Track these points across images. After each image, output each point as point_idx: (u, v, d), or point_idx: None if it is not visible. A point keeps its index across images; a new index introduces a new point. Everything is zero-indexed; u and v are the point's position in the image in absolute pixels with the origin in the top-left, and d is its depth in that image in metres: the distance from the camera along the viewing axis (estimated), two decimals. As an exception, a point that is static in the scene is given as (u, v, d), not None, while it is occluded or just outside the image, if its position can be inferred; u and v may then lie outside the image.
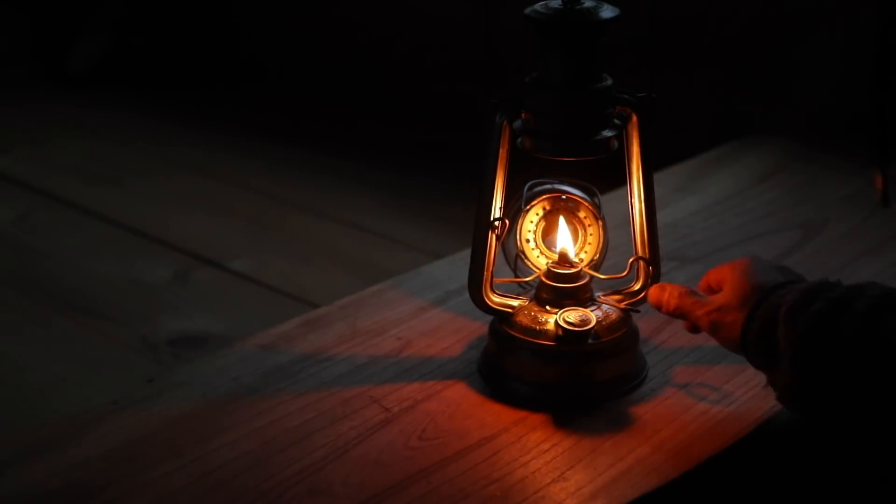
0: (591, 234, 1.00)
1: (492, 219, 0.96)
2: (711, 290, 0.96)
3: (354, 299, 1.14)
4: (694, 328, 0.96)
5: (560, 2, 0.92)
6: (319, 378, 1.00)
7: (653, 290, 0.97)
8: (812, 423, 0.91)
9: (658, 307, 0.97)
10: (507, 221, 0.97)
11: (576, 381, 0.97)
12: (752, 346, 0.88)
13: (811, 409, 0.87)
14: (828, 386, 0.84)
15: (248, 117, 2.26)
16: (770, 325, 0.87)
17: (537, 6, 0.92)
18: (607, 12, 0.91)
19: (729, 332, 0.90)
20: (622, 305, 0.99)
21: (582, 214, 1.00)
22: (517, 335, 0.98)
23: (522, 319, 0.98)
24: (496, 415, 0.95)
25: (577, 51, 0.92)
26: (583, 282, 0.99)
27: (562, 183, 1.01)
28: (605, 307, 0.99)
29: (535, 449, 0.91)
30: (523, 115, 0.94)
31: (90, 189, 1.92)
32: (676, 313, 0.95)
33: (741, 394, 0.97)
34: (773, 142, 1.57)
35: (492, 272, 0.98)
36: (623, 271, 0.99)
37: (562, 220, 0.99)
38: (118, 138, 2.17)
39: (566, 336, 0.96)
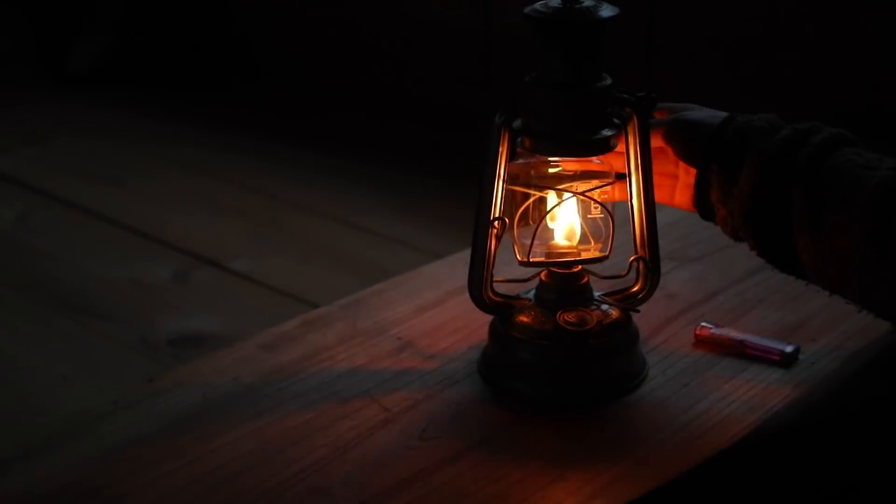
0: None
1: (492, 218, 0.96)
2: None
3: (354, 299, 1.14)
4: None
5: (559, 1, 0.92)
6: (319, 378, 1.00)
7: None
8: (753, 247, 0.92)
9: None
10: (506, 221, 0.97)
11: (576, 381, 0.97)
12: (719, 155, 0.91)
13: (755, 228, 0.89)
14: (778, 205, 0.87)
15: (248, 118, 2.26)
16: (739, 145, 0.90)
17: (537, 5, 0.92)
18: (606, 11, 0.91)
19: (693, 132, 0.93)
20: (622, 305, 0.99)
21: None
22: (517, 335, 0.97)
23: (522, 319, 0.98)
24: (496, 415, 0.95)
25: (576, 50, 0.92)
26: (583, 281, 0.98)
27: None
28: (605, 307, 0.99)
29: (535, 449, 0.91)
30: (523, 114, 0.94)
31: (90, 189, 1.93)
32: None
33: (741, 394, 0.96)
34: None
35: (492, 272, 0.98)
36: (623, 271, 0.99)
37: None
38: (118, 138, 2.17)
39: (566, 336, 0.96)
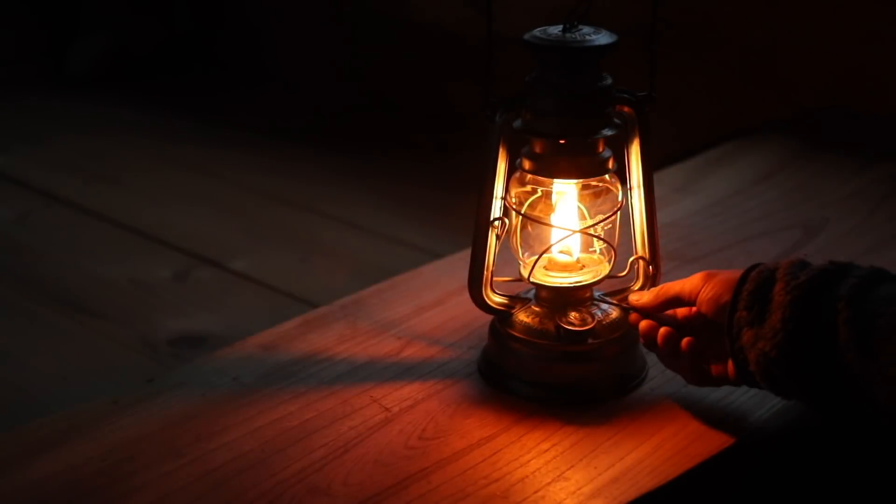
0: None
1: (492, 218, 0.96)
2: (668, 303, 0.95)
3: (354, 299, 1.14)
4: (690, 364, 0.94)
5: (560, 29, 0.92)
6: (319, 378, 1.00)
7: (646, 300, 0.96)
8: (778, 394, 0.89)
9: (643, 309, 0.96)
10: (506, 221, 0.97)
11: (576, 381, 0.97)
12: (742, 302, 0.86)
13: (787, 365, 0.84)
14: (817, 337, 0.82)
15: (248, 117, 2.26)
16: (767, 283, 0.85)
17: (536, 32, 0.92)
18: (604, 38, 0.91)
19: (716, 281, 0.90)
20: (622, 305, 0.99)
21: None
22: (517, 335, 0.98)
23: (523, 319, 0.98)
24: (496, 415, 0.95)
25: (575, 72, 0.92)
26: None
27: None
28: (605, 307, 0.99)
29: (535, 449, 0.91)
30: (523, 114, 0.94)
31: (90, 188, 1.92)
32: (664, 299, 0.94)
33: (741, 394, 0.96)
34: (773, 141, 1.57)
35: (492, 272, 0.98)
36: (623, 271, 0.99)
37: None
38: (118, 137, 2.17)
39: (566, 336, 0.96)
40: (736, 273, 0.89)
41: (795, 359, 0.84)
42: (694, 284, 0.92)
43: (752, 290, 0.86)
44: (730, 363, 0.89)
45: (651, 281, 0.99)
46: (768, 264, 0.87)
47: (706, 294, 0.91)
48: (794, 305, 0.83)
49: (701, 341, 0.92)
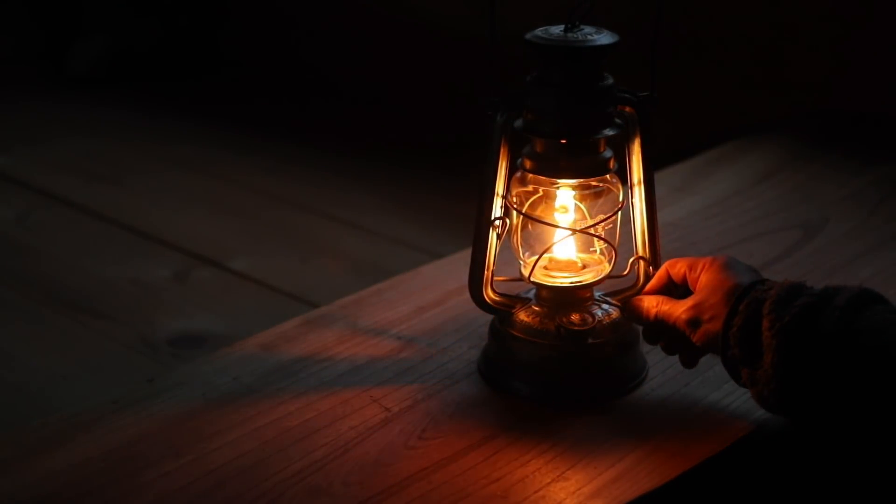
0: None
1: (492, 218, 0.96)
2: (672, 284, 0.96)
3: (354, 299, 1.14)
4: (688, 358, 0.96)
5: (561, 29, 0.92)
6: (319, 378, 1.00)
7: (632, 303, 0.96)
8: (791, 421, 0.90)
9: (638, 319, 0.96)
10: (507, 221, 0.97)
11: (576, 381, 0.97)
12: (733, 340, 0.87)
13: (789, 406, 0.87)
14: (809, 379, 0.84)
15: (249, 117, 2.26)
16: (754, 318, 0.86)
17: (537, 31, 0.92)
18: (606, 38, 0.91)
19: (708, 327, 0.90)
20: (622, 305, 0.99)
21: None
22: (517, 335, 0.97)
23: (523, 319, 0.98)
24: (496, 415, 0.95)
25: (576, 72, 0.92)
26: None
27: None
28: (605, 307, 0.99)
29: (535, 449, 0.91)
30: (525, 114, 0.94)
31: (90, 188, 1.92)
32: (657, 320, 0.95)
33: (741, 394, 0.96)
34: (773, 141, 1.57)
35: (492, 272, 0.98)
36: (623, 271, 0.99)
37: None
38: (118, 137, 2.17)
39: (566, 336, 0.96)
40: (727, 283, 0.89)
41: (793, 399, 0.86)
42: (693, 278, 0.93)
43: (742, 325, 0.87)
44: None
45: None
46: (758, 292, 0.87)
47: (698, 298, 0.91)
48: (781, 351, 0.84)
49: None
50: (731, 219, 1.33)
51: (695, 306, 0.91)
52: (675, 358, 1.02)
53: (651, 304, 0.95)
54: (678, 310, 0.92)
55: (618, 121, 0.95)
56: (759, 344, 0.86)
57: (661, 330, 0.96)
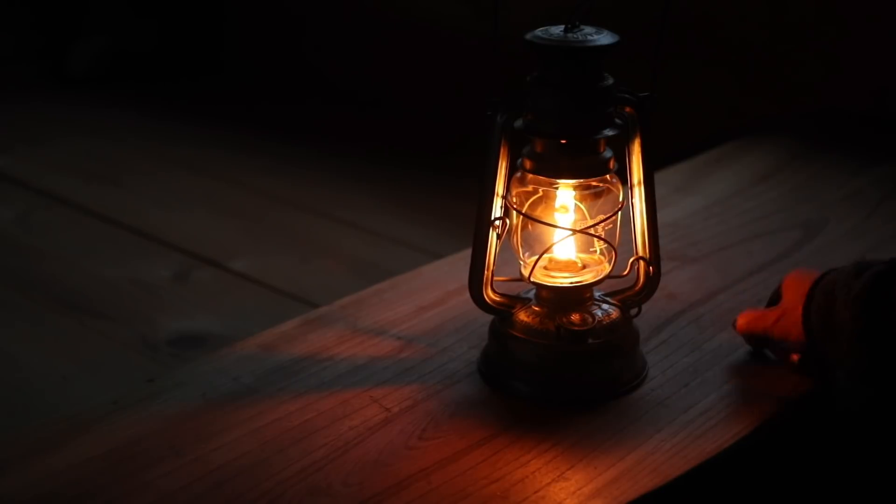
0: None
1: (492, 218, 0.96)
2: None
3: (354, 299, 1.14)
4: (784, 352, 0.99)
5: (561, 29, 0.92)
6: (319, 378, 1.00)
7: (738, 322, 1.01)
8: (880, 398, 0.95)
9: (749, 335, 1.01)
10: (507, 221, 0.97)
11: (576, 381, 0.97)
12: (814, 326, 0.92)
13: (871, 378, 0.90)
14: (885, 344, 0.87)
15: (249, 118, 2.26)
16: (829, 300, 0.90)
17: (538, 31, 0.92)
18: (606, 38, 0.91)
19: (793, 318, 0.94)
20: (622, 305, 0.99)
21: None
22: (517, 335, 0.97)
23: (523, 319, 0.98)
24: (496, 415, 0.95)
25: (576, 72, 0.92)
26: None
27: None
28: (605, 307, 0.99)
29: (535, 449, 0.91)
30: (525, 114, 0.94)
31: (90, 188, 1.93)
32: (760, 334, 0.99)
33: (741, 394, 0.96)
34: (773, 141, 1.57)
35: (492, 272, 0.98)
36: (623, 271, 0.99)
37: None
38: (118, 138, 2.17)
39: (566, 336, 0.96)
40: (805, 283, 0.95)
41: (876, 366, 0.89)
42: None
43: (820, 306, 0.91)
44: None
45: (651, 281, 0.99)
46: (830, 276, 0.92)
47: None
48: (859, 320, 0.88)
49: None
50: (731, 219, 1.33)
51: (781, 310, 0.97)
52: (675, 358, 1.03)
53: (748, 316, 1.00)
54: (770, 317, 0.98)
55: (618, 121, 0.95)
56: (835, 322, 0.90)
57: (762, 341, 1.00)
